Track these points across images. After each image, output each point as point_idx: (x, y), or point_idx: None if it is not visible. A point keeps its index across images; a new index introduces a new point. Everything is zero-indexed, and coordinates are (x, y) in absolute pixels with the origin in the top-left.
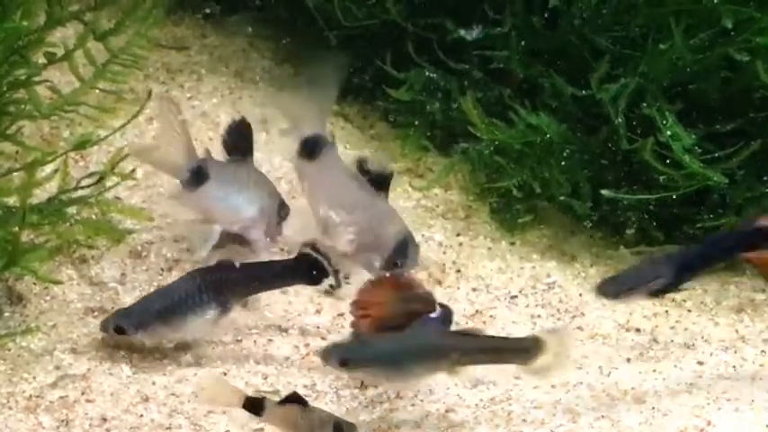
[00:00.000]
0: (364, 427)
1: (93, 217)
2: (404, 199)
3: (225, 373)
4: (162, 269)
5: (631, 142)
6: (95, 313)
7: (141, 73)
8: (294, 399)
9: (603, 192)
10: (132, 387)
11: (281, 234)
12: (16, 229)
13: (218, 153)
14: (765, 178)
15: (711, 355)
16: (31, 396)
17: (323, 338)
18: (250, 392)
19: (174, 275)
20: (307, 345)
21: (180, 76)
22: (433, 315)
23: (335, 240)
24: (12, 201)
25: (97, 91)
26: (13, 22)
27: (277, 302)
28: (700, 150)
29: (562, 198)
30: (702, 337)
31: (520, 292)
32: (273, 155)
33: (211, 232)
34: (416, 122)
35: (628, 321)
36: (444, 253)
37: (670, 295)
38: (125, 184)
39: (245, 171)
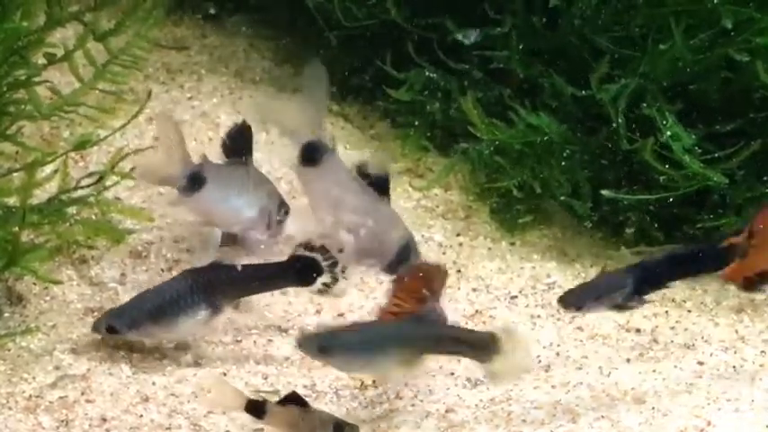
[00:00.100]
0: (364, 428)
1: (93, 217)
2: (404, 199)
3: (225, 374)
4: (162, 269)
5: (631, 142)
6: (95, 313)
7: (141, 73)
8: (293, 398)
9: (603, 192)
10: (132, 387)
11: (282, 233)
12: (16, 229)
13: (218, 155)
14: (765, 178)
15: (711, 355)
16: (30, 396)
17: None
18: (249, 393)
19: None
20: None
21: (180, 76)
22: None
23: (340, 245)
24: (12, 201)
25: (97, 91)
26: (13, 23)
27: (277, 303)
28: (700, 150)
29: (562, 198)
30: (702, 338)
31: (520, 292)
32: (273, 155)
33: (212, 236)
34: (416, 122)
35: (628, 322)
36: (444, 253)
37: (669, 295)
38: (125, 184)
39: (244, 173)
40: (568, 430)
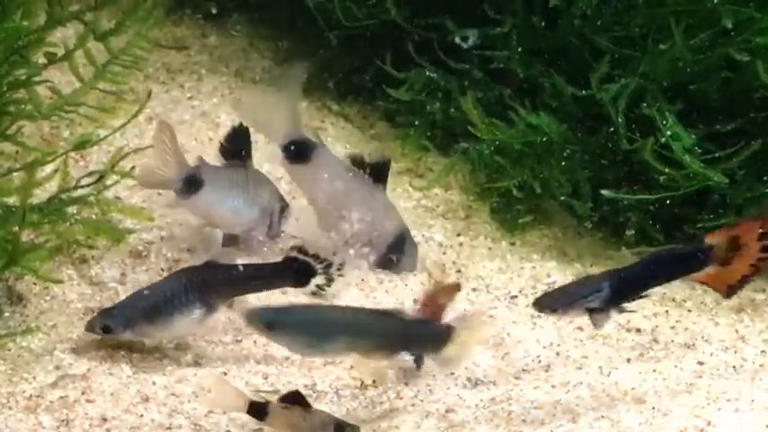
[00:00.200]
0: (365, 428)
1: (94, 217)
2: (404, 199)
3: (225, 373)
4: (162, 269)
5: (632, 142)
6: (95, 313)
7: (141, 73)
8: (293, 397)
9: (604, 192)
10: (132, 387)
11: (283, 233)
12: (16, 228)
13: (217, 155)
14: (766, 178)
15: (711, 355)
16: (31, 396)
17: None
18: (250, 392)
19: None
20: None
21: (180, 76)
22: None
23: (336, 237)
24: (12, 200)
25: (97, 91)
26: (14, 22)
27: (277, 303)
28: (700, 150)
29: (562, 198)
30: (702, 337)
31: (520, 292)
32: (274, 156)
33: (212, 237)
34: (417, 122)
35: (628, 321)
36: (444, 253)
37: (670, 295)
38: (125, 183)
39: (243, 174)
40: (568, 430)
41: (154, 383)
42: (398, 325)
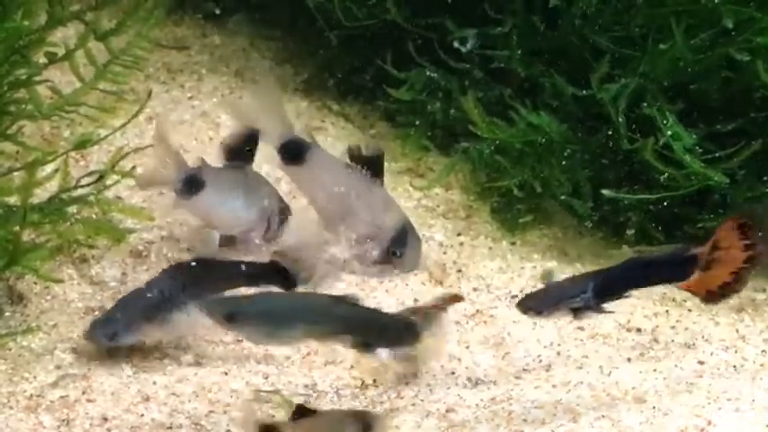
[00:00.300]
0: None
1: (94, 216)
2: (405, 198)
3: (226, 373)
4: (163, 269)
5: (632, 142)
6: (96, 313)
7: (142, 73)
8: (302, 411)
9: (604, 191)
10: (133, 386)
11: (282, 237)
12: (17, 228)
13: (217, 156)
14: (766, 178)
15: (712, 354)
16: (31, 395)
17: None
18: (249, 392)
19: None
20: (307, 344)
21: (180, 75)
22: None
23: (338, 237)
24: (12, 200)
25: (97, 91)
26: (14, 22)
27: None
28: (700, 150)
29: (563, 198)
30: (703, 337)
31: (521, 291)
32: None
33: (210, 238)
34: (417, 122)
35: (628, 321)
36: (445, 253)
37: (670, 295)
38: (126, 183)
39: (243, 176)
40: (569, 430)
41: (154, 383)
42: (356, 312)
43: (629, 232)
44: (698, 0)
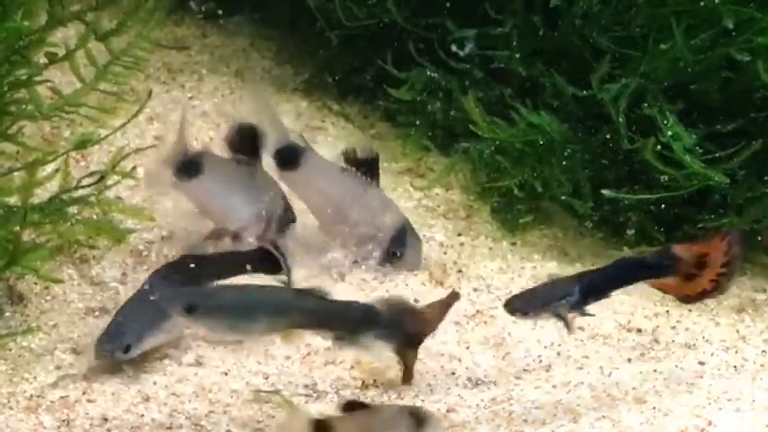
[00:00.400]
0: None
1: (95, 216)
2: (405, 199)
3: (226, 373)
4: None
5: (632, 142)
6: (96, 313)
7: (142, 73)
8: (352, 404)
9: (604, 192)
10: (133, 387)
11: (281, 239)
12: (17, 228)
13: (219, 154)
14: (766, 178)
15: (712, 354)
16: (31, 396)
17: (323, 338)
18: (249, 392)
19: None
20: (307, 344)
21: (181, 76)
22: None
23: (338, 239)
24: (13, 200)
25: (98, 91)
26: (15, 22)
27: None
28: (701, 150)
29: (563, 198)
30: (703, 337)
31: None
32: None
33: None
34: (417, 122)
35: (629, 322)
36: (445, 253)
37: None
38: (126, 183)
39: (247, 171)
40: (569, 430)
41: (154, 383)
42: (320, 304)
43: (630, 232)
44: (698, 0)
